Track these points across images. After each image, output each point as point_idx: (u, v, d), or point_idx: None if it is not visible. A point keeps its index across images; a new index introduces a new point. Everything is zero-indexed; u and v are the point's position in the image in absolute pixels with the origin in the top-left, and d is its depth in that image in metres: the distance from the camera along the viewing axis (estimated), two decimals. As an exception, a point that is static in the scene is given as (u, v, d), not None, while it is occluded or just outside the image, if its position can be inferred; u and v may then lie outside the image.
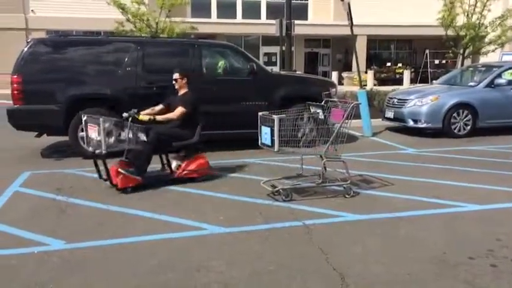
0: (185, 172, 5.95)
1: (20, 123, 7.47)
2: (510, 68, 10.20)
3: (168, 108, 6.08)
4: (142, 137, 5.64)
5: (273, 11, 27.56)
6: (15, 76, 7.26)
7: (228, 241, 4.12)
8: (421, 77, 27.94)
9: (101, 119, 5.30)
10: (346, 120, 5.28)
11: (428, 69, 28.19)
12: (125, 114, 5.61)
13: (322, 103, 5.75)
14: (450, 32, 16.15)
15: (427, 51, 28.37)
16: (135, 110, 5.67)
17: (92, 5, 23.91)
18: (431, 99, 9.66)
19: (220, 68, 8.76)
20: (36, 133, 7.82)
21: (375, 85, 24.32)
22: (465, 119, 9.59)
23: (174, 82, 6.19)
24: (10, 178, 6.16)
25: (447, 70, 21.93)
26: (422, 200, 5.24)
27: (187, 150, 6.08)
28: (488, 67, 10.78)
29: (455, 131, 9.56)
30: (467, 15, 15.93)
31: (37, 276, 3.45)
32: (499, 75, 10.02)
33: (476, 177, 6.22)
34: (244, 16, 29.69)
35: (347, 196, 5.33)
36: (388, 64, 31.34)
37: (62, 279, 3.41)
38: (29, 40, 8.20)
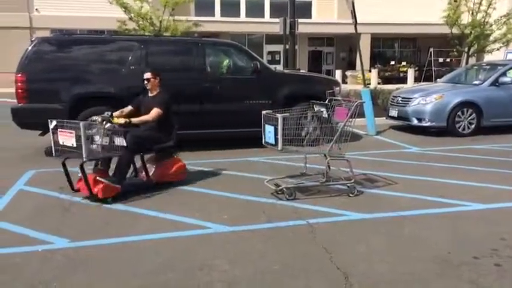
0: (163, 176, 5.68)
1: (24, 122, 7.50)
2: (515, 67, 10.15)
3: (138, 110, 5.73)
4: (119, 141, 5.20)
5: (277, 10, 27.53)
6: (20, 75, 7.29)
7: (232, 240, 4.12)
8: (425, 76, 27.88)
9: (81, 124, 4.86)
10: (350, 119, 5.27)
11: (433, 68, 28.11)
12: (95, 118, 5.22)
13: (326, 102, 5.74)
14: (455, 30, 16.08)
15: (431, 49, 28.28)
16: (109, 113, 5.32)
17: (96, 4, 23.95)
18: (436, 98, 9.62)
19: (224, 66, 8.77)
20: (40, 132, 7.85)
21: (378, 84, 24.26)
22: (469, 118, 9.55)
23: (146, 82, 5.80)
24: (14, 177, 6.18)
25: (451, 68, 21.85)
26: (427, 199, 5.22)
27: (162, 154, 5.77)
28: (493, 65, 10.73)
29: (460, 129, 9.52)
30: (472, 13, 15.87)
31: (41, 275, 3.46)
32: (504, 74, 9.97)
33: (481, 177, 6.19)
34: (247, 14, 29.68)
35: (351, 195, 5.32)
36: (392, 62, 31.26)
37: (65, 277, 3.42)
38: (33, 39, 8.22)
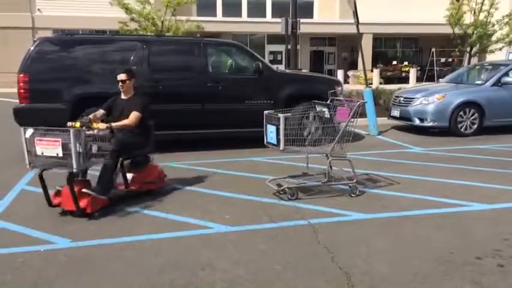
0: (143, 185, 5.30)
1: (26, 122, 7.46)
2: (517, 67, 10.13)
3: (110, 114, 5.34)
4: (104, 148, 4.75)
5: (279, 10, 27.55)
6: (22, 75, 7.30)
7: (234, 240, 4.11)
8: (427, 76, 27.83)
9: (71, 131, 4.39)
10: (352, 119, 5.26)
11: (435, 68, 28.07)
12: (70, 123, 4.66)
13: (328, 102, 5.74)
14: (457, 30, 16.06)
15: (433, 49, 28.25)
16: (88, 118, 4.88)
17: (98, 4, 23.97)
18: (438, 98, 9.61)
19: (226, 66, 8.77)
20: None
21: (380, 83, 24.23)
22: (472, 118, 9.53)
23: (120, 84, 5.36)
24: (17, 176, 6.20)
25: (453, 68, 21.82)
26: (429, 199, 5.21)
27: (139, 160, 5.38)
28: (495, 65, 10.70)
29: (462, 129, 9.50)
30: (475, 13, 15.84)
31: (43, 274, 3.47)
32: (506, 74, 9.94)
33: (483, 177, 6.17)
34: (249, 14, 29.68)
35: (353, 195, 5.31)
36: (394, 62, 31.21)
37: (68, 277, 3.43)
38: (36, 39, 8.23)
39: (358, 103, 5.29)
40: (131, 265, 3.61)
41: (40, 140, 4.47)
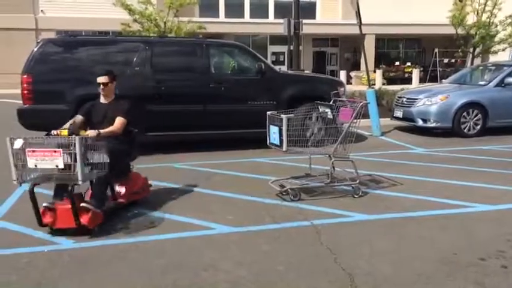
0: (131, 195, 4.93)
1: (30, 123, 7.53)
2: (521, 67, 10.10)
3: (88, 119, 4.88)
4: (98, 158, 4.23)
5: (281, 10, 27.52)
6: (25, 76, 7.33)
7: (236, 241, 4.12)
8: (430, 76, 27.76)
9: (77, 139, 3.92)
10: (355, 120, 5.26)
11: (438, 68, 28.00)
12: (55, 132, 4.19)
13: (331, 102, 5.74)
14: (460, 31, 16.03)
15: (436, 50, 28.18)
16: (71, 125, 4.50)
17: (100, 5, 24.02)
18: (441, 99, 9.59)
19: (229, 67, 8.78)
20: (46, 133, 7.88)
21: (383, 84, 24.18)
22: (475, 119, 9.51)
23: (101, 87, 4.93)
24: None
25: (456, 69, 21.77)
26: (432, 200, 5.20)
27: (122, 169, 4.93)
28: (499, 66, 10.68)
29: (465, 130, 9.48)
30: (478, 13, 15.81)
31: (47, 275, 3.48)
32: (510, 75, 9.91)
33: (487, 177, 6.16)
34: (252, 15, 29.68)
35: (356, 196, 5.31)
36: (397, 63, 31.15)
37: (72, 277, 3.44)
38: (39, 40, 8.26)
39: (361, 104, 5.29)
40: (134, 266, 3.62)
41: (33, 151, 3.92)
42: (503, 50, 16.53)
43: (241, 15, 29.52)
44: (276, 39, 27.74)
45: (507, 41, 16.24)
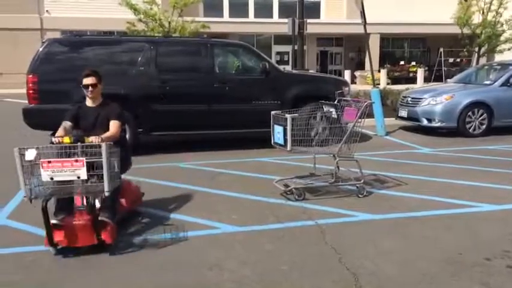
0: (131, 204, 4.65)
1: (35, 122, 7.56)
2: (526, 67, 10.05)
3: (77, 125, 4.44)
4: (116, 166, 3.89)
5: (285, 10, 27.56)
6: (31, 76, 7.36)
7: (241, 240, 4.12)
8: (435, 76, 27.67)
9: (103, 146, 3.60)
10: (360, 119, 5.25)
11: (443, 68, 27.90)
12: (55, 139, 3.80)
13: (335, 102, 5.73)
14: (466, 30, 15.97)
15: (441, 49, 28.08)
16: (80, 132, 4.19)
17: (105, 5, 24.16)
18: (446, 98, 9.56)
19: (233, 67, 8.79)
20: (51, 132, 7.91)
21: (388, 84, 24.13)
22: (480, 118, 9.47)
23: (90, 89, 4.43)
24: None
25: (462, 68, 21.69)
26: (437, 200, 5.18)
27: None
28: (504, 65, 10.63)
29: (471, 130, 9.45)
30: (483, 12, 15.75)
31: (53, 274, 3.49)
32: (515, 74, 9.87)
33: (492, 177, 6.13)
34: (256, 15, 29.71)
35: (360, 196, 5.30)
36: (402, 63, 31.08)
37: (76, 277, 3.45)
38: (44, 40, 8.30)
39: (366, 103, 5.28)
40: (139, 265, 3.63)
41: (49, 162, 3.53)
42: (509, 49, 16.48)
43: (246, 15, 29.55)
44: (280, 39, 27.73)
45: (513, 41, 16.19)
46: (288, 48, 26.57)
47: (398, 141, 9.22)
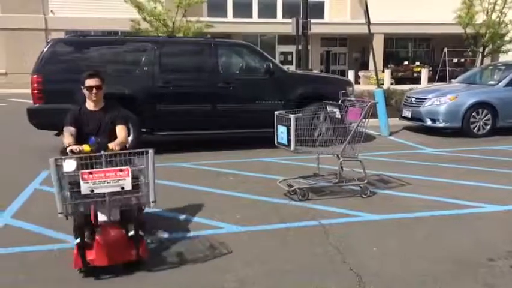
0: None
1: (40, 122, 7.59)
2: (531, 67, 10.02)
3: (79, 130, 4.05)
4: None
5: (289, 10, 27.49)
6: (35, 76, 7.39)
7: (244, 240, 4.13)
8: (439, 76, 27.59)
9: (150, 152, 3.38)
10: (363, 120, 5.24)
11: (447, 68, 27.82)
12: (76, 148, 3.61)
13: (339, 102, 5.73)
14: (469, 30, 15.92)
15: (446, 49, 27.99)
16: (98, 139, 3.79)
17: (109, 5, 24.24)
18: (450, 99, 9.53)
19: (237, 67, 8.80)
20: (56, 132, 7.95)
21: (392, 84, 24.08)
22: (484, 119, 9.44)
23: (94, 91, 4.17)
24: (30, 176, 6.28)
25: (466, 69, 21.61)
26: (441, 201, 5.17)
27: None
28: (509, 66, 10.60)
29: (475, 130, 9.42)
30: (487, 12, 15.69)
31: (57, 273, 3.51)
32: (520, 74, 9.84)
33: (496, 178, 6.11)
34: (260, 15, 29.69)
35: (364, 196, 5.30)
36: (406, 63, 31.00)
37: (81, 276, 3.46)
38: (49, 40, 8.33)
39: (369, 103, 5.27)
40: (143, 265, 3.63)
41: (90, 173, 3.23)
42: (514, 49, 16.41)
43: (249, 15, 29.54)
44: (284, 39, 27.73)
45: (517, 41, 16.13)
46: (291, 48, 26.59)
47: (402, 141, 9.20)
